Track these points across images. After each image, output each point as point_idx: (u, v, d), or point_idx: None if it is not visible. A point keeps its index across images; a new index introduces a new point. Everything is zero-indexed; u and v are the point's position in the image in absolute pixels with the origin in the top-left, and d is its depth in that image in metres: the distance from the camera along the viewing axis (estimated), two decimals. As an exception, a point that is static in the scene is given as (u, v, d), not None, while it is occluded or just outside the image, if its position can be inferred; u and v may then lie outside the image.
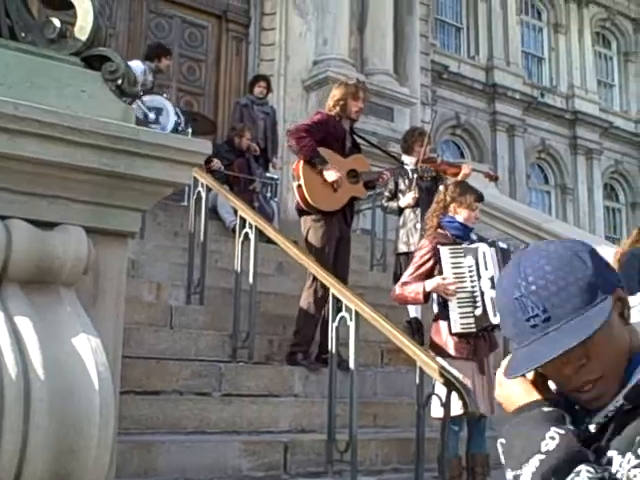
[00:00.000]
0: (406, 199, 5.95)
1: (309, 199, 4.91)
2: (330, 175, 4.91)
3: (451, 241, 3.99)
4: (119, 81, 2.17)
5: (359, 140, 5.45)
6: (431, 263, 3.95)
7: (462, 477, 3.85)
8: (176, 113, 8.01)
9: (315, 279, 4.52)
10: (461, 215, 4.05)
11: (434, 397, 3.58)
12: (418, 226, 5.89)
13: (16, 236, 1.87)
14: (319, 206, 4.93)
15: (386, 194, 6.16)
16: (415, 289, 3.91)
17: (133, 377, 3.96)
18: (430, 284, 3.88)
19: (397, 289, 4.04)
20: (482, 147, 18.19)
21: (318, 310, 4.65)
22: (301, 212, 5.09)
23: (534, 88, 19.30)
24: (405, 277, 4.05)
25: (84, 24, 2.21)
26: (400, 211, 6.11)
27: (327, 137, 5.03)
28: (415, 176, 5.86)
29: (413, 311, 5.99)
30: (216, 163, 7.56)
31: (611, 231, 20.23)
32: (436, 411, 3.63)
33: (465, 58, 18.33)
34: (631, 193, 21.45)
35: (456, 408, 3.53)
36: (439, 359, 3.76)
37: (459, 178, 6.04)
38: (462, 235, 4.04)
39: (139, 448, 3.46)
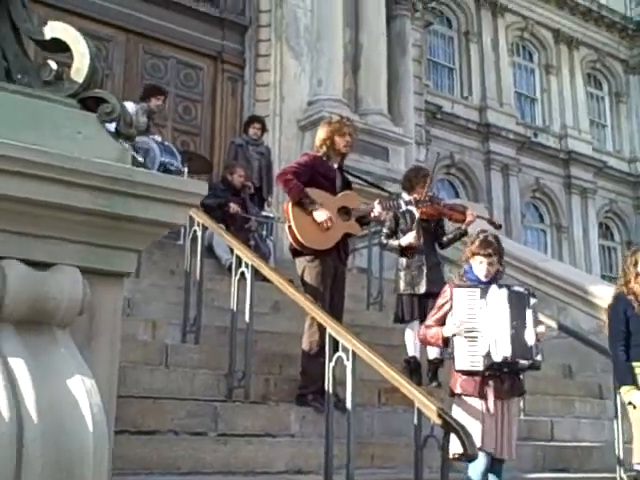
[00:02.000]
0: (407, 238, 5.89)
1: (300, 239, 4.92)
2: (319, 216, 4.93)
3: (471, 285, 4.10)
4: (115, 122, 2.19)
5: (350, 177, 5.48)
6: (449, 306, 4.06)
7: None
8: (170, 151, 8.06)
9: (315, 318, 4.51)
10: (476, 268, 4.10)
11: (452, 435, 3.57)
12: (424, 269, 5.87)
13: (11, 276, 1.86)
14: (311, 245, 4.94)
15: (385, 231, 6.12)
16: (435, 334, 4.07)
17: (128, 417, 3.92)
18: (447, 330, 4.01)
19: (421, 332, 4.28)
20: (477, 186, 18.31)
21: (321, 349, 4.61)
22: (295, 253, 5.09)
23: (527, 128, 19.50)
24: (428, 320, 4.22)
25: (80, 66, 2.23)
26: (401, 251, 6.06)
27: (316, 177, 5.06)
28: (416, 215, 5.83)
29: (412, 350, 5.95)
30: (233, 207, 7.62)
31: (607, 270, 20.27)
32: (454, 447, 3.61)
33: (458, 98, 18.55)
34: (626, 232, 21.54)
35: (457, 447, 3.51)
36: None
37: (463, 226, 6.04)
38: (479, 285, 4.11)
39: (133, 490, 3.41)
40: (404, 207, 5.74)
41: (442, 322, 4.08)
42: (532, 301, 4.11)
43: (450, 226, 6.29)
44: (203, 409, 4.31)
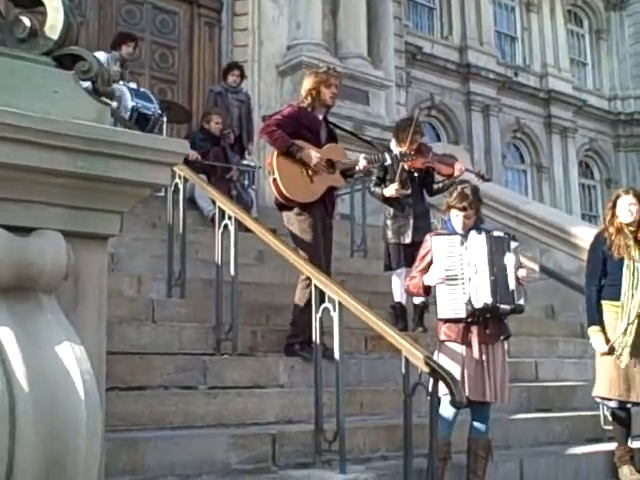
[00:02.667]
0: (389, 189, 5.90)
1: (285, 192, 4.86)
2: (312, 158, 4.87)
3: (450, 233, 4.11)
4: (92, 80, 2.13)
5: (335, 129, 5.40)
6: (430, 256, 4.07)
7: (447, 462, 3.87)
8: (145, 97, 7.92)
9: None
10: (454, 219, 4.10)
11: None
12: (410, 218, 5.88)
13: (-8, 244, 1.83)
14: (296, 198, 4.89)
15: (374, 179, 6.14)
16: (417, 283, 4.11)
17: (117, 373, 3.92)
18: (428, 279, 4.03)
19: (406, 283, 4.33)
20: (457, 127, 18.21)
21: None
22: (281, 207, 5.03)
23: (508, 68, 19.32)
24: (413, 271, 4.24)
25: (54, 22, 2.15)
26: (385, 200, 6.05)
27: (300, 129, 4.97)
28: (401, 166, 5.80)
29: (398, 296, 6.00)
30: (192, 154, 7.49)
31: (587, 208, 20.39)
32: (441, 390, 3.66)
33: (438, 39, 18.29)
34: (606, 170, 21.61)
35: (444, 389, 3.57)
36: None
37: (451, 180, 6.02)
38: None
39: (126, 446, 3.42)
40: (389, 161, 5.69)
41: (425, 272, 4.09)
42: (513, 245, 4.10)
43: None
44: (192, 363, 4.32)
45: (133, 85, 8.10)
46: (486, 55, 18.61)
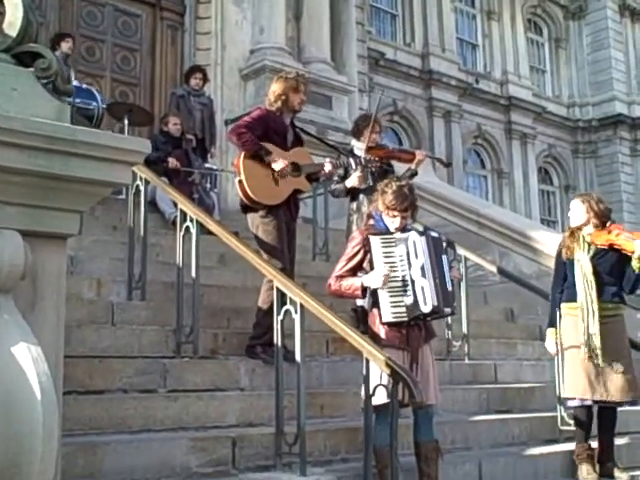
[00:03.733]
0: (352, 179, 5.86)
1: (250, 194, 4.86)
2: (277, 165, 4.89)
3: (384, 231, 3.96)
4: (52, 78, 2.11)
5: (301, 133, 5.42)
6: (362, 255, 3.94)
7: (389, 468, 3.79)
8: (87, 93, 7.90)
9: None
10: (388, 221, 3.97)
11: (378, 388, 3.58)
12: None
13: (-52, 243, 1.80)
14: (262, 200, 4.89)
15: (335, 178, 6.12)
16: (352, 284, 3.90)
17: (75, 377, 3.88)
18: (370, 281, 3.86)
19: (332, 284, 4.00)
20: (419, 133, 18.38)
21: None
22: (245, 208, 5.03)
23: (469, 74, 19.56)
24: (338, 271, 4.01)
25: (13, 19, 2.13)
26: (349, 193, 6.05)
27: (268, 132, 4.99)
28: (363, 161, 5.82)
29: (359, 300, 6.00)
30: (172, 162, 7.50)
31: (546, 213, 20.70)
32: (377, 399, 3.61)
33: (401, 45, 18.45)
34: (564, 176, 21.98)
35: (382, 397, 3.54)
36: None
37: (413, 165, 6.05)
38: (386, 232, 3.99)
39: (84, 450, 3.38)
40: (354, 166, 5.69)
41: (354, 272, 3.95)
42: (444, 245, 4.04)
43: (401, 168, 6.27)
44: (152, 366, 4.28)
45: (75, 82, 8.03)
46: (448, 62, 18.82)
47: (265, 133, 4.96)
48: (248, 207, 4.97)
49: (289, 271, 4.81)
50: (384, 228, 3.99)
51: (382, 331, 3.86)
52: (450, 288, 3.95)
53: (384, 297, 3.85)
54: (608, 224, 4.82)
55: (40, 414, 1.71)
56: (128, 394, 4.09)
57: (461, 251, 6.24)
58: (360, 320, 5.97)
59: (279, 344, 3.90)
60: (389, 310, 3.83)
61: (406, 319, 3.82)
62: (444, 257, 3.98)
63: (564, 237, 4.99)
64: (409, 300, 3.82)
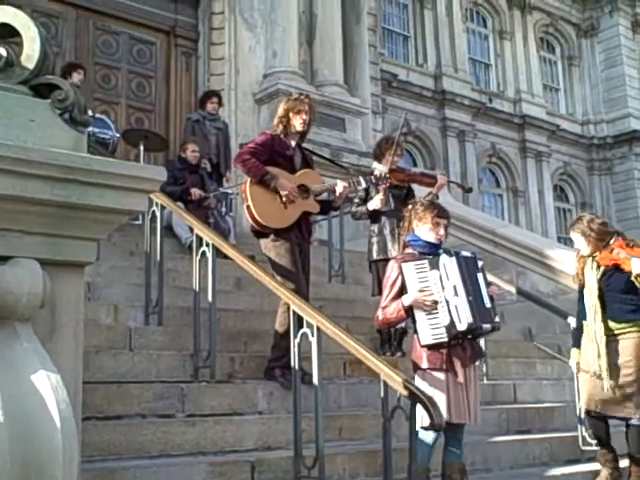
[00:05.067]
0: (374, 202, 5.88)
1: (258, 218, 4.88)
2: (284, 187, 4.91)
3: (417, 258, 4.01)
4: (69, 109, 2.15)
5: (312, 155, 5.43)
6: (400, 282, 3.97)
7: None
8: (101, 123, 7.98)
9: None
10: (424, 232, 4.05)
11: (419, 406, 3.59)
12: (396, 233, 5.85)
13: (-32, 273, 1.83)
14: (270, 224, 4.90)
15: (356, 200, 6.13)
16: (395, 308, 3.93)
17: (94, 403, 3.90)
18: (407, 299, 3.90)
19: (379, 315, 4.03)
20: (433, 153, 18.39)
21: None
22: (257, 234, 5.05)
23: (482, 94, 19.59)
24: (382, 302, 4.06)
25: (31, 52, 2.18)
26: (371, 216, 6.06)
27: (274, 156, 5.00)
28: (386, 183, 5.81)
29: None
30: (195, 193, 7.58)
31: (562, 231, 20.57)
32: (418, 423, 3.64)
33: (413, 66, 18.53)
34: (580, 193, 21.89)
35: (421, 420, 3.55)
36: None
37: (434, 189, 6.06)
38: (429, 252, 4.04)
39: (103, 476, 3.39)
40: (364, 184, 5.68)
41: (397, 299, 3.96)
42: (480, 263, 4.08)
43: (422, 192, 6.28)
44: (169, 391, 4.29)
45: (89, 112, 8.16)
46: (461, 82, 18.87)
47: (271, 157, 4.97)
48: (259, 232, 5.00)
49: (304, 293, 4.82)
50: (424, 243, 4.03)
51: (423, 355, 3.89)
52: (489, 305, 3.98)
53: (422, 320, 3.89)
54: (612, 241, 4.77)
55: (60, 442, 1.72)
56: (146, 419, 4.09)
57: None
58: (384, 341, 5.95)
59: (296, 367, 3.91)
60: (428, 332, 3.87)
61: (446, 339, 3.84)
62: (479, 275, 4.00)
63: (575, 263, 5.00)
64: (446, 320, 3.84)
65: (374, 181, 5.74)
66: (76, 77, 8.12)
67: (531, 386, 6.23)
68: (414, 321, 3.93)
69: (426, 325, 3.88)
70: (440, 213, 4.08)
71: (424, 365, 3.84)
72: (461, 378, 3.87)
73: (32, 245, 2.02)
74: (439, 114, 18.53)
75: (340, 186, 5.23)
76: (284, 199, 4.93)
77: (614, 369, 4.60)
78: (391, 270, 4.04)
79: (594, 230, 4.76)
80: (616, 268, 4.69)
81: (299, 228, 5.04)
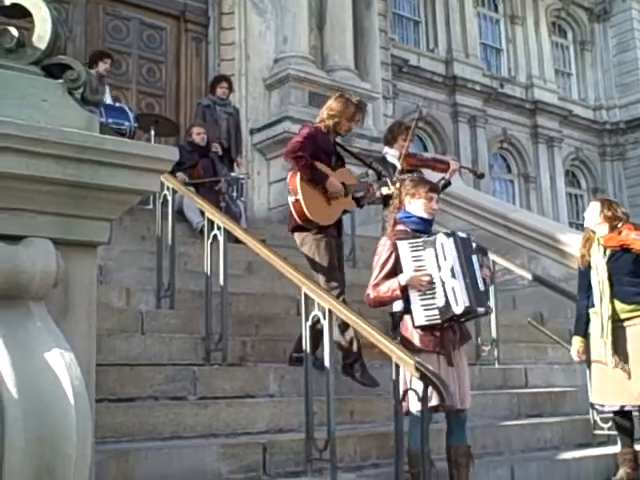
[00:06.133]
0: (387, 187, 5.87)
1: (308, 214, 4.85)
2: (335, 187, 4.90)
3: (411, 236, 3.95)
4: (81, 89, 2.15)
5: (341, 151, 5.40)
6: (393, 260, 3.91)
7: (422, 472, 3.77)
8: (119, 113, 7.96)
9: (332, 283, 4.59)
10: (417, 208, 4.01)
11: (409, 392, 3.57)
12: None
13: (-19, 252, 1.83)
14: (316, 220, 4.87)
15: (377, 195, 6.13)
16: (390, 287, 3.87)
17: (106, 385, 3.92)
18: (404, 277, 3.84)
19: (371, 293, 3.99)
20: (444, 139, 18.32)
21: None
22: (295, 228, 5.01)
23: (493, 79, 19.48)
24: (374, 280, 3.99)
25: (42, 32, 2.17)
26: (384, 201, 6.04)
27: (316, 151, 4.97)
28: (397, 167, 5.78)
29: (398, 305, 5.94)
30: (179, 176, 7.55)
31: (574, 217, 20.50)
32: (413, 405, 3.61)
33: (424, 51, 18.43)
34: (592, 179, 21.77)
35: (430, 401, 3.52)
36: None
37: (447, 175, 6.03)
38: (422, 228, 4.01)
39: (116, 457, 3.41)
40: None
41: (389, 279, 3.91)
42: (474, 245, 4.01)
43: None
44: (182, 374, 4.31)
45: (109, 100, 8.13)
46: (472, 67, 18.77)
47: (314, 152, 4.94)
48: (298, 226, 4.98)
49: (343, 288, 4.86)
50: (416, 219, 3.98)
51: (416, 336, 3.84)
52: (482, 288, 3.91)
53: (416, 301, 3.83)
54: (620, 225, 4.76)
55: (74, 419, 1.73)
56: (159, 401, 4.12)
57: (490, 255, 6.20)
58: (396, 325, 5.94)
59: (308, 350, 3.92)
60: (422, 314, 3.82)
61: (439, 321, 3.80)
62: (474, 257, 3.94)
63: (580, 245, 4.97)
64: (441, 302, 3.79)
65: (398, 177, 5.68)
66: (102, 66, 8.11)
67: (542, 370, 6.23)
68: (407, 301, 3.87)
69: (420, 306, 3.82)
70: (432, 187, 4.05)
71: (417, 347, 3.78)
72: (453, 360, 3.84)
73: (45, 225, 2.02)
74: (450, 100, 18.44)
75: (383, 189, 5.22)
76: (330, 194, 4.91)
77: (624, 356, 4.58)
78: (383, 247, 3.98)
79: (611, 214, 4.77)
80: (623, 250, 4.68)
81: (336, 225, 5.03)
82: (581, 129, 21.53)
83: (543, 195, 19.76)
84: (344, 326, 4.58)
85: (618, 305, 4.65)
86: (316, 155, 4.96)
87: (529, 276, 6.55)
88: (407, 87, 17.15)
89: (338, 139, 5.28)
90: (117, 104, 8.36)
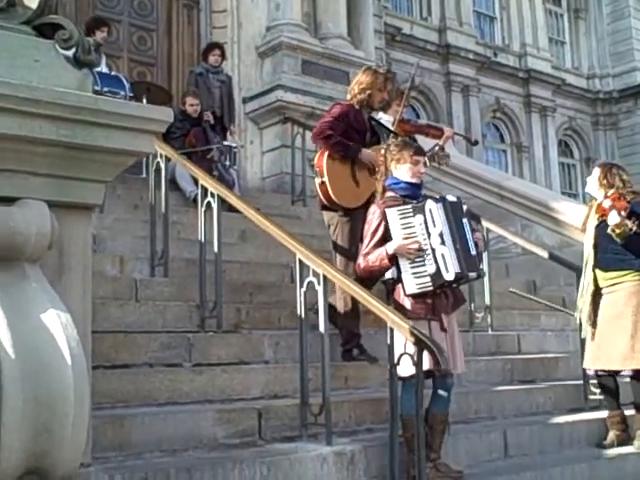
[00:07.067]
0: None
1: (333, 196, 4.80)
2: (368, 154, 4.83)
3: (400, 202, 3.93)
4: (73, 49, 2.12)
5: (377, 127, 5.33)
6: (383, 228, 3.89)
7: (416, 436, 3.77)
8: (114, 81, 7.89)
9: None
10: (403, 172, 3.97)
11: (403, 357, 3.56)
12: None
13: (-25, 212, 1.82)
14: (342, 203, 4.81)
15: None
16: (378, 256, 3.86)
17: (102, 351, 3.92)
18: (392, 246, 3.83)
19: (361, 262, 3.97)
20: (437, 108, 18.23)
21: (354, 305, 4.62)
22: (324, 207, 4.97)
23: (487, 48, 19.35)
24: (364, 249, 3.98)
25: (33, -9, 2.14)
26: None
27: (348, 130, 4.89)
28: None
29: (390, 272, 5.94)
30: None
31: (567, 187, 20.53)
32: (404, 370, 3.61)
33: (417, 20, 18.28)
34: (585, 148, 21.75)
35: (410, 367, 3.52)
36: None
37: (441, 141, 5.99)
38: (411, 194, 3.97)
39: (112, 422, 3.42)
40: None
41: (380, 246, 3.88)
42: (464, 207, 3.96)
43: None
44: (176, 341, 4.32)
45: (104, 69, 8.04)
46: (465, 35, 18.62)
47: (345, 131, 4.87)
48: (325, 206, 4.93)
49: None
50: (404, 184, 3.96)
51: (407, 303, 3.82)
52: (474, 252, 3.88)
53: (406, 269, 3.82)
54: (610, 193, 4.73)
55: (71, 379, 1.73)
56: (154, 368, 4.13)
57: (483, 223, 6.21)
58: (390, 292, 5.94)
59: (302, 316, 3.92)
60: (413, 281, 3.80)
61: (431, 288, 3.78)
62: (464, 220, 3.90)
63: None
64: (432, 269, 3.77)
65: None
66: (99, 35, 8.00)
67: (535, 337, 6.27)
68: (398, 269, 3.85)
69: (411, 274, 3.81)
70: (417, 151, 4.01)
71: (408, 315, 3.74)
72: (445, 326, 3.83)
73: (39, 186, 2.01)
74: (443, 68, 18.33)
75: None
76: (359, 174, 4.83)
77: (603, 323, 4.64)
78: (373, 215, 3.96)
79: (606, 181, 4.77)
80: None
81: (364, 206, 4.79)
82: (574, 98, 21.45)
83: (536, 165, 19.74)
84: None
85: (599, 273, 4.69)
86: (348, 134, 4.88)
87: (524, 244, 6.57)
88: (400, 56, 17.01)
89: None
90: (113, 73, 8.28)
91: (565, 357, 5.87)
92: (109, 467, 3.09)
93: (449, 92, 18.38)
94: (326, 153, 4.88)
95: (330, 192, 4.81)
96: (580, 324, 4.94)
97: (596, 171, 4.89)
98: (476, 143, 6.69)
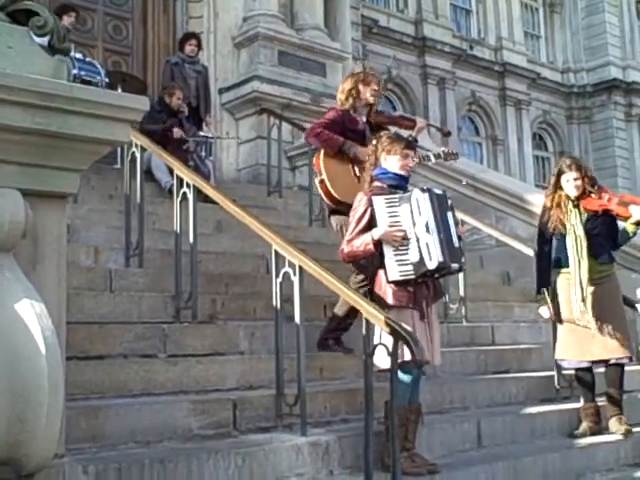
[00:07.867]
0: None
1: (334, 193, 4.78)
2: (364, 152, 4.70)
3: (387, 192, 3.97)
4: (48, 36, 2.10)
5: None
6: (369, 215, 3.92)
7: (404, 426, 3.83)
8: (90, 67, 7.83)
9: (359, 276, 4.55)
10: (392, 164, 4.01)
11: (378, 349, 3.57)
12: None
13: (-52, 200, 1.80)
14: (344, 199, 4.74)
15: None
16: (363, 241, 3.88)
17: (75, 343, 3.88)
18: (377, 232, 3.85)
19: (345, 248, 4.00)
20: (414, 101, 18.30)
21: (351, 311, 4.58)
22: (332, 212, 4.94)
23: (463, 41, 19.45)
24: (349, 235, 4.01)
25: (7, -23, 2.11)
26: None
27: (345, 132, 4.91)
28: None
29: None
30: (176, 132, 7.50)
31: (541, 179, 20.70)
32: (380, 361, 3.62)
33: (394, 12, 18.31)
34: (559, 142, 21.95)
35: (405, 355, 3.54)
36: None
37: (414, 132, 6.01)
38: (398, 184, 4.02)
39: (86, 414, 3.40)
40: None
41: (365, 233, 3.91)
42: (449, 202, 4.01)
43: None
44: (151, 331, 4.29)
45: (78, 55, 7.97)
46: (441, 28, 18.70)
47: (342, 133, 4.89)
48: (333, 210, 4.90)
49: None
50: (392, 175, 4.00)
51: (389, 291, 3.84)
52: (457, 244, 3.93)
53: (390, 256, 3.85)
54: (596, 188, 4.85)
55: (45, 368, 1.72)
56: (128, 359, 4.10)
57: (458, 215, 6.23)
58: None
59: (278, 307, 3.92)
60: (396, 269, 3.83)
61: (413, 276, 3.81)
62: (449, 213, 3.95)
63: (547, 208, 4.99)
64: (415, 257, 3.81)
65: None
66: (67, 20, 7.92)
67: (509, 328, 6.33)
68: (382, 256, 3.88)
69: (394, 261, 3.84)
70: (408, 145, 4.07)
71: (390, 302, 3.80)
72: (426, 316, 3.86)
73: (13, 175, 1.99)
74: (419, 61, 18.39)
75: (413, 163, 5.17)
76: (358, 169, 4.78)
77: (602, 312, 4.70)
78: (359, 203, 3.99)
79: (592, 176, 4.86)
80: (600, 213, 4.78)
81: None
82: (549, 92, 21.64)
83: (511, 158, 19.90)
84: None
85: (596, 266, 4.76)
86: (345, 136, 4.90)
87: (500, 237, 6.61)
88: (377, 48, 17.06)
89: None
90: (87, 59, 8.20)
91: (538, 348, 5.94)
92: (83, 458, 3.07)
93: (425, 85, 18.46)
94: (322, 152, 4.90)
95: (331, 190, 4.82)
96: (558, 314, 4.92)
97: (573, 173, 4.88)
98: (449, 134, 6.73)
